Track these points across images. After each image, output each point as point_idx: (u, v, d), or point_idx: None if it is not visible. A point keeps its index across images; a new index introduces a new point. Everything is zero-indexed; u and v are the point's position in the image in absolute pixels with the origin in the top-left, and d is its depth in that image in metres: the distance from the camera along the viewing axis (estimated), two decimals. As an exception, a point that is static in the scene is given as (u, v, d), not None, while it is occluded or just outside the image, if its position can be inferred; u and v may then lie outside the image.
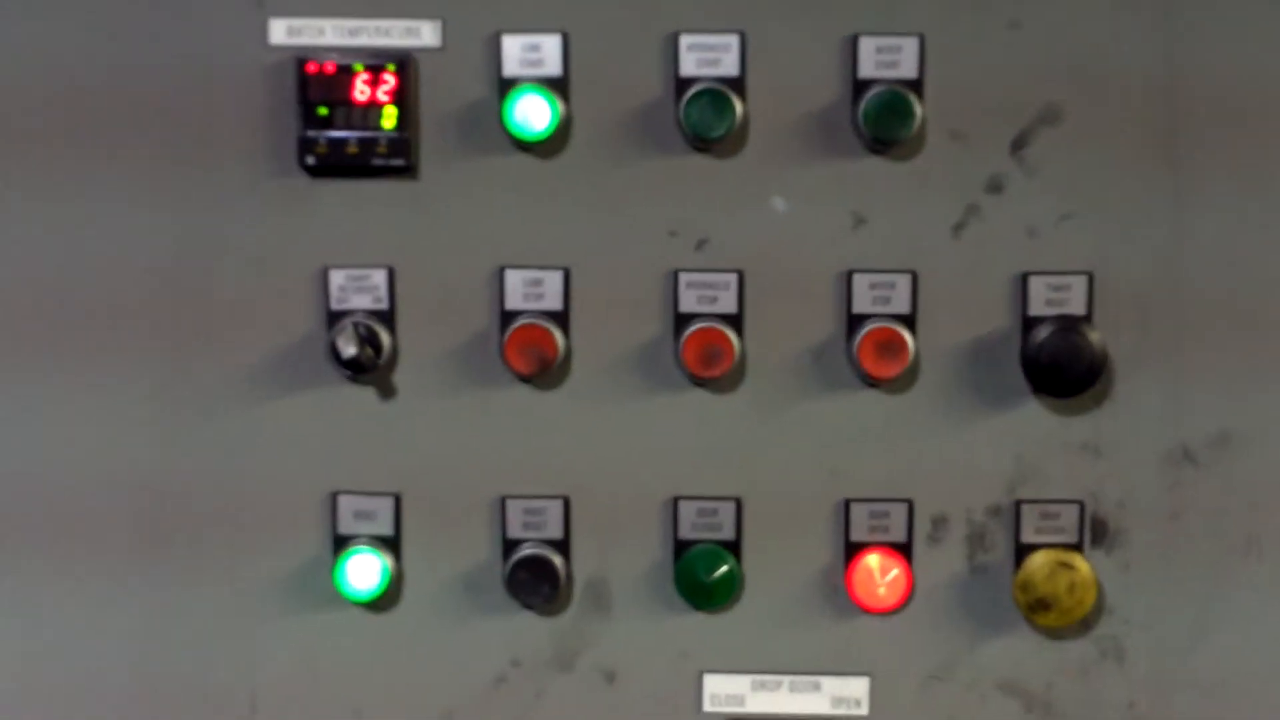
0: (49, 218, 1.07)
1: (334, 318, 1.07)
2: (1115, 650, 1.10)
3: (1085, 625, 1.09)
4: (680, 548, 1.09)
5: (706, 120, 1.02)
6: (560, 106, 1.04)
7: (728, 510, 1.09)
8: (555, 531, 1.09)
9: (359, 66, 1.03)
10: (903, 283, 1.06)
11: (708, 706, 1.11)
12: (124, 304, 1.07)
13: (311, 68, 1.03)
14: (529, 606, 1.09)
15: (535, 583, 1.07)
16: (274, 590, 1.10)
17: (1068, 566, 1.06)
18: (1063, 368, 1.03)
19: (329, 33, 1.05)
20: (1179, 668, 1.10)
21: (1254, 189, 1.05)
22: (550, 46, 1.04)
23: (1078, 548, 1.08)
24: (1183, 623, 1.09)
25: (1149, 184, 1.05)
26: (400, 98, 1.04)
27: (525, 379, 1.07)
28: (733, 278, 1.06)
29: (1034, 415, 1.07)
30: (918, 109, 1.02)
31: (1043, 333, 1.04)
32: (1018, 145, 1.05)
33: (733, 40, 1.04)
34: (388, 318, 1.07)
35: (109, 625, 1.11)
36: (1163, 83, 1.04)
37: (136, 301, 1.07)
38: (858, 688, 1.11)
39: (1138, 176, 1.05)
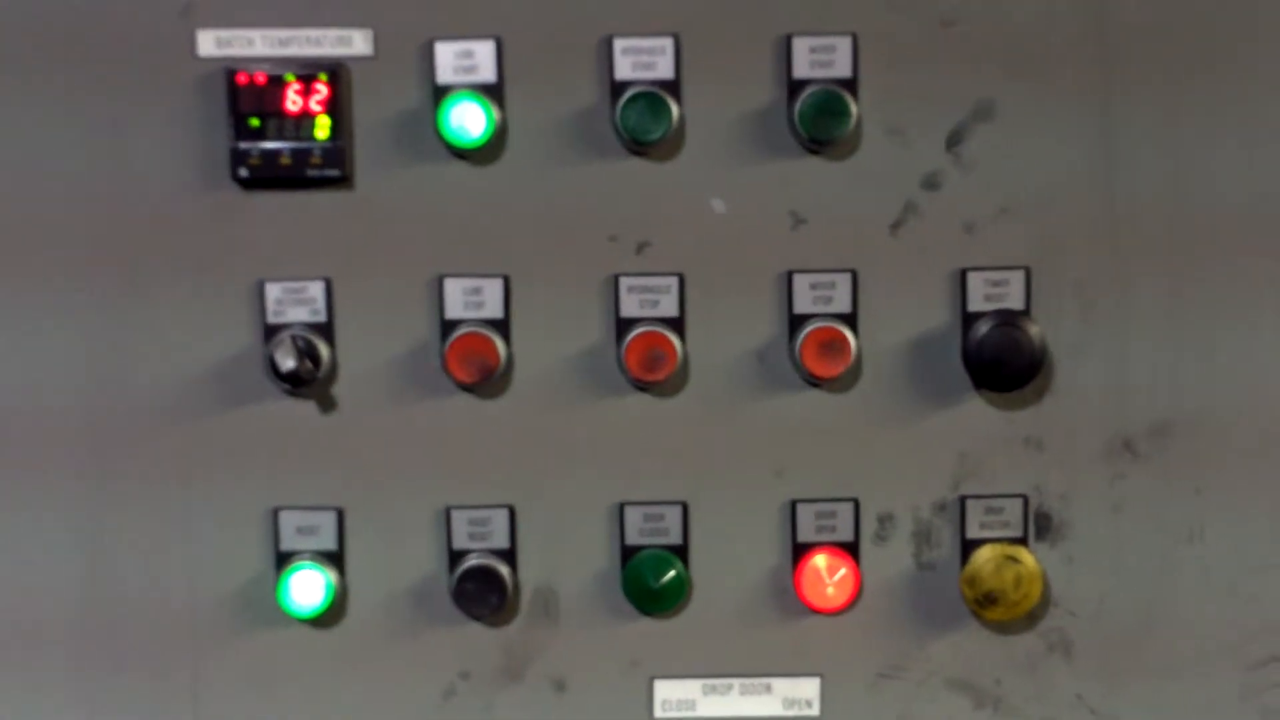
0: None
1: (271, 331, 1.09)
2: (1063, 643, 1.13)
3: (1032, 619, 1.12)
4: (627, 553, 1.11)
5: (643, 124, 1.05)
6: (495, 113, 1.06)
7: (674, 514, 1.11)
8: (501, 541, 1.11)
9: (290, 76, 1.05)
10: (843, 282, 1.09)
11: (659, 713, 1.13)
12: (58, 318, 1.09)
13: (242, 78, 1.05)
14: (477, 617, 1.11)
15: (482, 593, 1.09)
16: (217, 608, 1.12)
17: (1013, 560, 1.10)
18: (1003, 362, 1.06)
19: (259, 43, 1.06)
20: (1126, 658, 1.13)
21: (1189, 185, 1.08)
22: (484, 53, 1.06)
23: (1023, 541, 1.12)
24: (1129, 613, 1.13)
25: (1085, 176, 1.08)
26: (333, 107, 1.05)
27: (467, 388, 1.09)
28: (673, 281, 1.09)
29: (976, 411, 1.11)
30: (853, 108, 1.06)
31: (982, 328, 1.07)
32: (953, 141, 1.08)
33: (667, 43, 1.07)
34: (326, 330, 1.09)
35: (48, 638, 1.12)
36: (1097, 75, 1.07)
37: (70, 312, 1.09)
38: (809, 688, 1.13)
39: (1073, 169, 1.08)
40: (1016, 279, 1.09)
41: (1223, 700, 1.13)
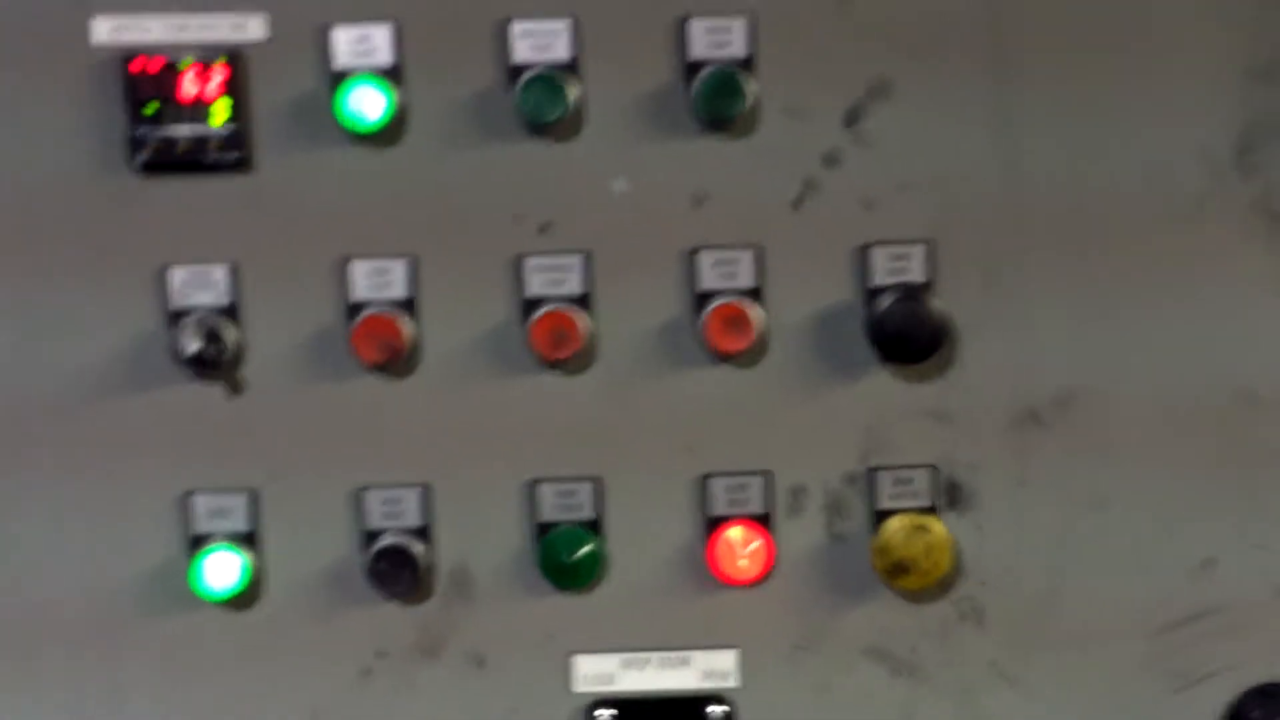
0: None
1: (176, 316, 1.09)
2: (974, 611, 1.15)
3: (944, 587, 1.14)
4: (542, 530, 1.12)
5: (541, 106, 1.05)
6: (395, 95, 1.06)
7: (586, 490, 1.12)
8: (415, 520, 1.12)
9: (186, 62, 1.05)
10: (746, 258, 1.10)
11: (578, 687, 1.15)
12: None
13: (136, 65, 1.05)
14: (392, 596, 1.12)
15: (396, 572, 1.10)
16: (130, 594, 1.12)
17: (923, 529, 1.11)
18: (907, 336, 1.07)
19: (155, 30, 1.06)
20: (1037, 626, 1.15)
21: (1087, 159, 1.09)
22: (381, 37, 1.06)
23: (933, 511, 1.13)
24: (1038, 581, 1.14)
25: (984, 153, 1.09)
26: (231, 91, 1.06)
27: (376, 369, 1.10)
28: (578, 259, 1.10)
29: (883, 384, 1.12)
30: (747, 87, 1.06)
31: (885, 302, 1.08)
32: (851, 119, 1.09)
33: (565, 25, 1.07)
34: (232, 313, 1.10)
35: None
36: (989, 50, 1.08)
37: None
38: (726, 660, 1.15)
39: (972, 146, 1.09)
40: (918, 253, 1.10)
41: (1130, 666, 1.15)
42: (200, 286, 1.09)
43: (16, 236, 1.09)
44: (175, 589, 1.12)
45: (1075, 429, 1.12)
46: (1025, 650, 1.15)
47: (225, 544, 1.11)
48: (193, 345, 1.06)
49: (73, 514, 1.12)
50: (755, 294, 1.10)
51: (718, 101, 1.06)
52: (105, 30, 1.06)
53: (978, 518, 1.14)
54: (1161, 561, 1.14)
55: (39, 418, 1.11)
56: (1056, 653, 1.15)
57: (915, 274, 1.10)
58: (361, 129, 1.06)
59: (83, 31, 1.06)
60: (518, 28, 1.07)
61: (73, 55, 1.06)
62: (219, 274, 1.09)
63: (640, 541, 1.13)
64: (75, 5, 1.06)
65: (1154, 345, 1.12)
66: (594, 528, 1.12)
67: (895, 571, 1.11)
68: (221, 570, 1.10)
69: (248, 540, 1.12)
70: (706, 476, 1.13)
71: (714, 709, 1.15)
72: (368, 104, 1.05)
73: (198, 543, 1.12)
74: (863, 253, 1.11)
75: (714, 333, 1.08)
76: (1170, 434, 1.12)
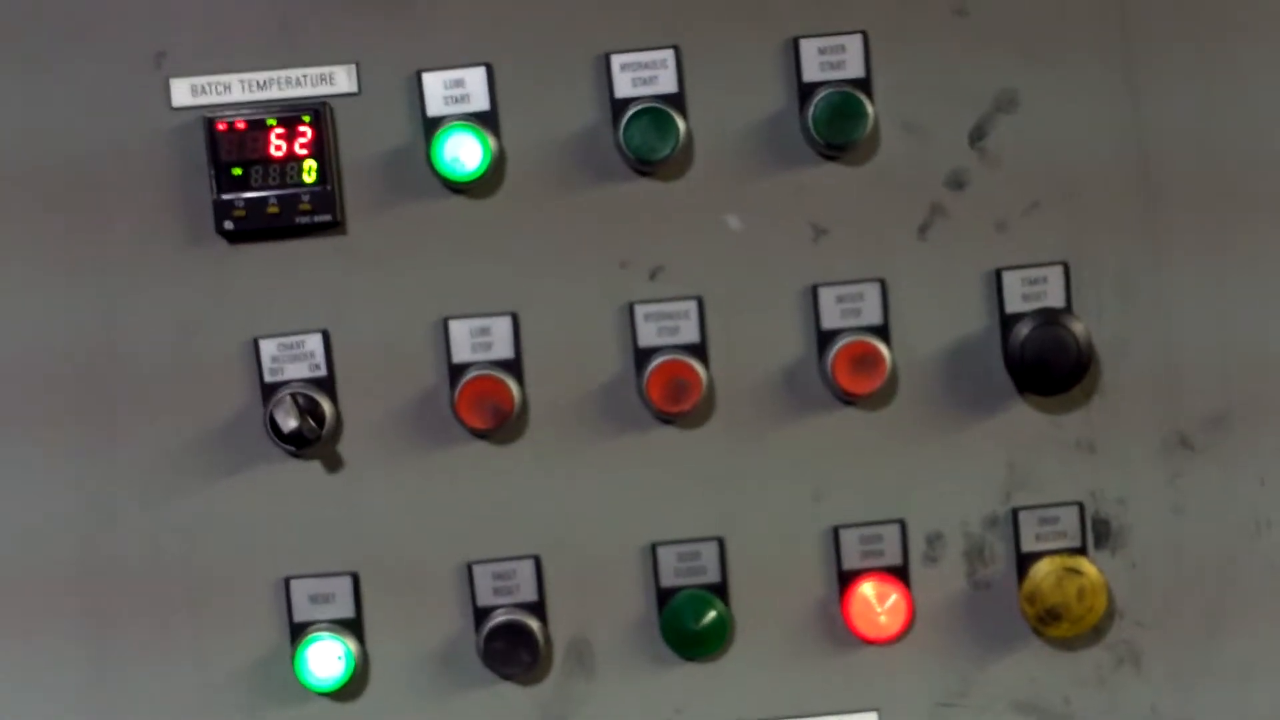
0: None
1: (269, 390, 1.07)
2: (1131, 654, 1.12)
3: (1097, 632, 1.11)
4: (663, 596, 1.09)
5: (649, 141, 1.03)
6: (491, 142, 1.04)
7: (710, 551, 1.09)
8: (529, 594, 1.09)
9: (271, 121, 1.03)
10: (871, 292, 1.07)
11: (709, 761, 1.11)
12: (46, 388, 1.07)
13: (221, 126, 1.03)
14: (508, 677, 1.09)
15: (513, 650, 1.07)
16: (233, 685, 1.10)
17: (1075, 572, 1.08)
18: (1048, 363, 1.05)
19: (235, 88, 1.05)
20: (1200, 664, 1.11)
21: (1227, 159, 1.07)
22: (474, 80, 1.05)
23: (1082, 551, 1.10)
24: (1198, 617, 1.11)
25: (1116, 160, 1.07)
26: (319, 149, 1.04)
27: (481, 434, 1.07)
28: (692, 305, 1.07)
29: (1022, 416, 1.09)
30: (869, 108, 1.04)
31: (1024, 329, 1.06)
32: (976, 136, 1.07)
33: (668, 55, 1.05)
34: (327, 385, 1.07)
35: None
36: (1120, 51, 1.06)
37: (60, 384, 1.07)
38: (866, 724, 1.11)
39: (1103, 154, 1.07)
40: (1055, 275, 1.08)
41: (1302, 699, 1.12)
42: (293, 358, 1.07)
43: (105, 314, 1.07)
44: (278, 680, 1.09)
45: (1230, 450, 1.10)
46: (1189, 690, 1.12)
47: (328, 633, 1.08)
48: (290, 422, 1.04)
49: (171, 608, 1.09)
50: (882, 330, 1.07)
51: (837, 125, 1.04)
52: (185, 92, 1.05)
53: (1131, 554, 1.11)
54: (1332, 585, 1.11)
55: (127, 500, 1.08)
56: (1221, 690, 1.12)
57: (1053, 297, 1.08)
58: (458, 179, 1.04)
59: (164, 94, 1.05)
60: (618, 61, 1.05)
61: (154, 118, 1.05)
62: (312, 343, 1.07)
63: (768, 602, 1.10)
64: (155, 67, 1.05)
65: (1310, 356, 1.09)
66: (719, 591, 1.09)
67: (1047, 619, 1.08)
68: (326, 659, 1.08)
69: (351, 626, 1.09)
70: (837, 528, 1.10)
71: (858, 776, 1.12)
72: (464, 152, 1.03)
73: (299, 631, 1.09)
74: (995, 278, 1.08)
75: (842, 374, 1.06)
76: (1334, 449, 1.10)
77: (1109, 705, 1.12)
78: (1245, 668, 1.11)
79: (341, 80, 1.05)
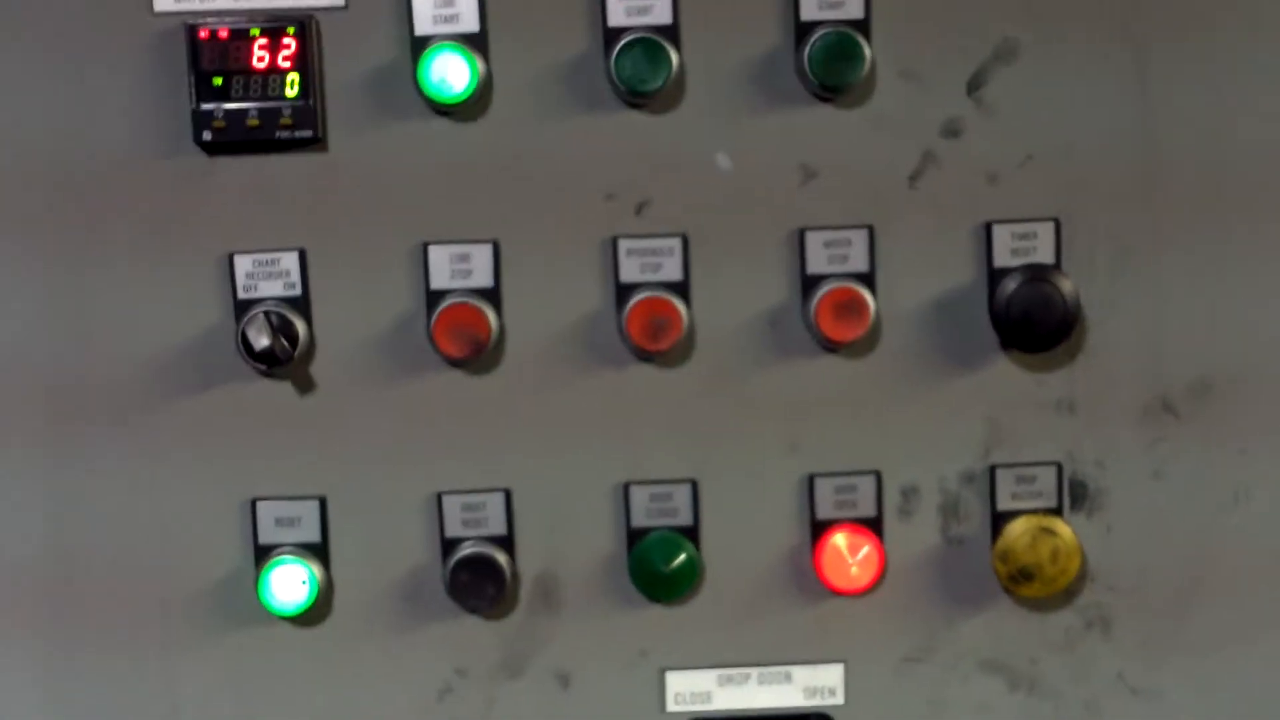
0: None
1: (242, 307, 1.06)
2: (1101, 619, 1.12)
3: (1069, 594, 1.11)
4: (633, 536, 1.09)
5: (640, 72, 1.02)
6: (479, 64, 1.03)
7: (683, 493, 1.09)
8: (498, 527, 1.09)
9: (255, 31, 1.02)
10: (859, 238, 1.06)
11: (671, 706, 1.11)
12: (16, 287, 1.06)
13: (203, 34, 1.02)
14: (473, 610, 1.09)
15: (479, 584, 1.07)
16: (194, 607, 1.09)
17: (1049, 532, 1.08)
18: (1034, 320, 1.04)
19: (220, -4, 1.03)
20: (1171, 633, 1.11)
21: (1229, 126, 1.06)
22: (464, 1, 1.03)
23: (1057, 512, 1.09)
24: (1172, 585, 1.11)
25: (1116, 119, 1.06)
26: (302, 63, 1.02)
27: (457, 363, 1.06)
28: (676, 242, 1.06)
29: (1005, 373, 1.09)
30: (866, 51, 1.03)
31: (1011, 284, 1.05)
32: (974, 85, 1.06)
33: (664, -15, 1.04)
34: (301, 304, 1.06)
35: (17, 656, 1.10)
36: (1128, 8, 1.05)
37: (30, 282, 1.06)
38: (831, 676, 1.12)
39: (1104, 112, 1.06)
40: (1045, 231, 1.07)
41: (1271, 673, 1.12)
42: (268, 275, 1.06)
43: (74, 218, 1.05)
44: (240, 602, 1.09)
45: (1213, 419, 1.09)
46: (1158, 660, 1.12)
47: (292, 556, 1.07)
48: (262, 340, 1.03)
49: (130, 518, 1.08)
50: (868, 277, 1.06)
51: (833, 66, 1.02)
52: (168, -3, 1.03)
53: (1106, 518, 1.11)
54: (1309, 558, 1.11)
55: (94, 413, 1.07)
56: (1192, 660, 1.12)
57: (1042, 253, 1.07)
58: (445, 100, 1.03)
59: (146, -1, 1.03)
60: (613, -11, 1.04)
61: (135, 24, 1.03)
62: (288, 261, 1.06)
63: (739, 548, 1.10)
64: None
65: (1298, 327, 1.08)
66: (690, 534, 1.09)
67: (1019, 578, 1.08)
68: (289, 584, 1.07)
69: (316, 551, 1.08)
70: (812, 477, 1.09)
71: (821, 728, 1.12)
72: (451, 73, 1.02)
73: (263, 554, 1.08)
74: (985, 231, 1.07)
75: (825, 320, 1.05)
76: (1317, 422, 1.09)
77: (1076, 669, 1.12)
78: (1215, 639, 1.11)
79: (329, -7, 1.04)
